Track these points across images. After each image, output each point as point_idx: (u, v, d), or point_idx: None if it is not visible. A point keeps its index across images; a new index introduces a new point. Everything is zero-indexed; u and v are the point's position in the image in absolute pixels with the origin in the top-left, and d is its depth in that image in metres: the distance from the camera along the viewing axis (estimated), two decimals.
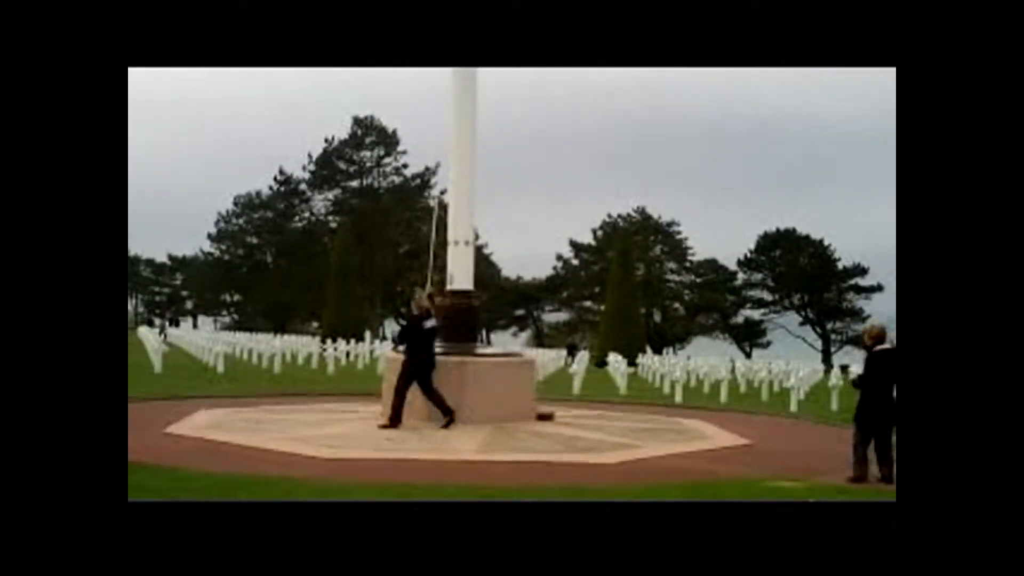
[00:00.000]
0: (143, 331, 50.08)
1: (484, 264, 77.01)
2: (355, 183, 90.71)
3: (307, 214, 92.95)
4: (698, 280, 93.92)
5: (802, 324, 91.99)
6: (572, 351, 55.16)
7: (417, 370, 17.87)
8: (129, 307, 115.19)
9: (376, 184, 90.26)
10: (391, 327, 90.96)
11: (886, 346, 13.77)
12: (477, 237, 27.56)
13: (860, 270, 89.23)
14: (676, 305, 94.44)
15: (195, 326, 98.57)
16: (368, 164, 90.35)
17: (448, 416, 17.47)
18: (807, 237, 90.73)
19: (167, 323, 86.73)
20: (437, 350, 18.83)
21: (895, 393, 13.32)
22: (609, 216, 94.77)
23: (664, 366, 37.15)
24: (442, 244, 20.80)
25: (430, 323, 18.24)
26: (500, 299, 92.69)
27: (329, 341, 44.42)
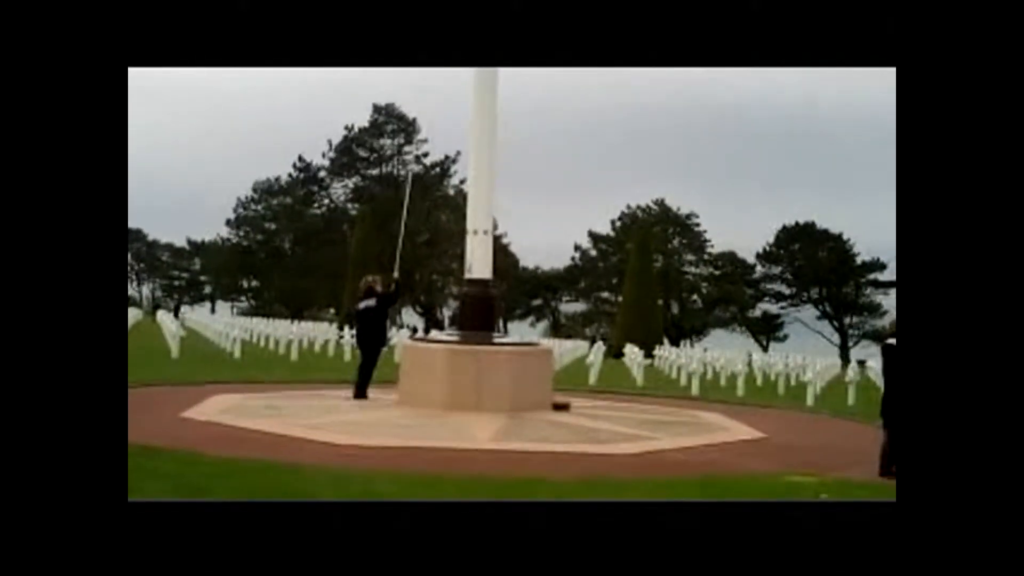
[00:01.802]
0: (162, 315, 50.22)
1: (502, 254, 76.90)
2: (375, 171, 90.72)
3: (326, 201, 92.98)
4: (716, 273, 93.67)
5: (820, 318, 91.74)
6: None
7: (360, 348, 20.27)
8: (147, 291, 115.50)
9: (396, 172, 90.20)
10: (409, 316, 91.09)
11: (891, 341, 13.82)
12: (496, 227, 27.50)
13: (879, 265, 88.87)
14: (694, 297, 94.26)
15: (212, 311, 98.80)
16: (388, 152, 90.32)
17: (357, 395, 19.47)
18: (826, 231, 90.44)
19: (177, 306, 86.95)
20: (453, 338, 19.04)
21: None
22: (628, 207, 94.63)
23: (681, 358, 37.12)
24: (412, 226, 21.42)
25: (363, 304, 20.06)
26: (518, 289, 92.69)
27: (346, 328, 44.49)
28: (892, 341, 13.81)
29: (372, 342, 20.09)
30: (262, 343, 43.17)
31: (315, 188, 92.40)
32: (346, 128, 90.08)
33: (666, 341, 59.18)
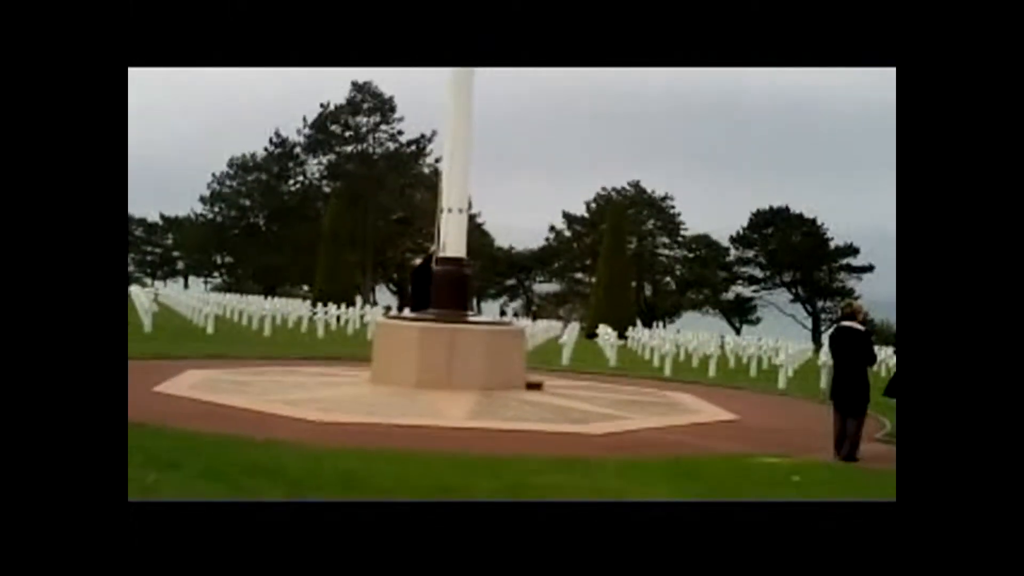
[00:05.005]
0: (134, 290, 49.96)
1: (477, 233, 76.80)
2: (350, 148, 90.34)
3: (301, 178, 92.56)
4: (690, 255, 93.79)
5: (792, 302, 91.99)
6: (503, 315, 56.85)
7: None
8: None
9: (371, 150, 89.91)
10: (381, 293, 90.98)
11: (845, 324, 13.88)
12: (470, 206, 27.50)
13: (852, 250, 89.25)
14: (667, 279, 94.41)
15: (186, 287, 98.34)
16: (364, 130, 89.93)
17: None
18: (800, 215, 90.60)
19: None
20: (429, 316, 19.15)
21: (851, 370, 13.51)
22: (603, 189, 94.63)
23: (654, 339, 37.19)
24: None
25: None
26: (492, 269, 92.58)
27: (319, 305, 44.43)
28: (846, 324, 13.90)
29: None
30: (235, 319, 43.04)
31: (290, 164, 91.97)
32: (322, 105, 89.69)
33: (639, 322, 59.28)
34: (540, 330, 42.79)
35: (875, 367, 13.96)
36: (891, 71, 6.06)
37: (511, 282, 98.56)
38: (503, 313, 69.36)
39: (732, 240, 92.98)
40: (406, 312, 26.44)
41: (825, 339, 67.03)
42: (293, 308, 46.62)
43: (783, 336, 50.21)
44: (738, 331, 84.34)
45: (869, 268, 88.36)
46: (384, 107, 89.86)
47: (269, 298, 55.17)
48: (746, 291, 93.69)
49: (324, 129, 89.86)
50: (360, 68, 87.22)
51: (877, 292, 73.39)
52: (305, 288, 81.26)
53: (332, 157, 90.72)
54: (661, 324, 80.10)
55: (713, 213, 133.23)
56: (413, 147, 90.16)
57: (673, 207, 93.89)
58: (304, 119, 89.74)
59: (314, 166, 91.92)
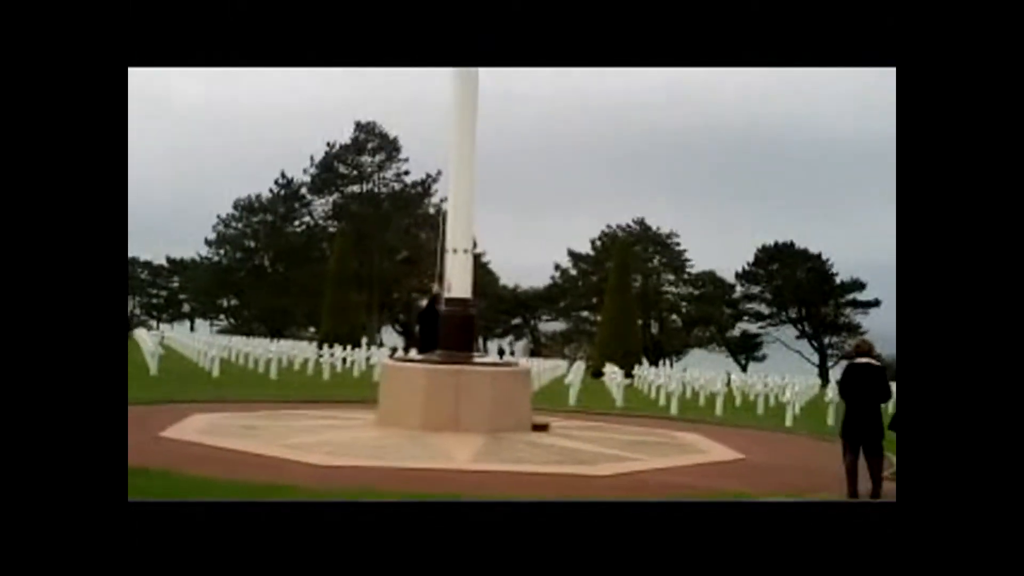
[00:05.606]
0: (140, 333, 49.98)
1: (482, 272, 76.81)
2: (355, 188, 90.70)
3: (307, 219, 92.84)
4: (696, 292, 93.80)
5: (799, 338, 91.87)
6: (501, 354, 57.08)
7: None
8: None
9: (376, 190, 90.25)
10: (388, 334, 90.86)
11: (863, 360, 13.76)
12: (475, 245, 27.55)
13: (858, 285, 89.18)
14: (673, 317, 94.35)
15: (192, 330, 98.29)
16: (369, 170, 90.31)
17: None
18: (805, 251, 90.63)
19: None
20: (435, 358, 19.13)
21: (871, 407, 13.41)
22: (608, 226, 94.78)
23: (660, 378, 37.11)
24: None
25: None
26: (497, 308, 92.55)
27: (326, 347, 44.39)
28: (862, 360, 13.79)
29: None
30: (241, 362, 43.00)
31: (296, 205, 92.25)
32: (328, 144, 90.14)
33: (645, 361, 59.18)
34: (546, 369, 42.71)
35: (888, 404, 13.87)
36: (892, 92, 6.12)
37: (517, 321, 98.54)
38: (502, 353, 69.38)
39: (738, 277, 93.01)
40: (412, 353, 26.43)
41: (832, 375, 66.85)
42: (299, 350, 46.55)
43: (789, 373, 50.08)
44: (744, 368, 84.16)
45: (876, 303, 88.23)
46: (389, 147, 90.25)
47: (275, 340, 55.15)
48: (752, 328, 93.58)
49: (329, 168, 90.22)
50: (359, 68, 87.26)
51: (883, 326, 73.28)
52: (312, 330, 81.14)
53: (337, 197, 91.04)
54: (668, 362, 79.98)
55: (719, 250, 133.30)
56: (419, 188, 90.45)
57: (679, 244, 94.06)
58: (311, 159, 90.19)
59: (319, 206, 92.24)
